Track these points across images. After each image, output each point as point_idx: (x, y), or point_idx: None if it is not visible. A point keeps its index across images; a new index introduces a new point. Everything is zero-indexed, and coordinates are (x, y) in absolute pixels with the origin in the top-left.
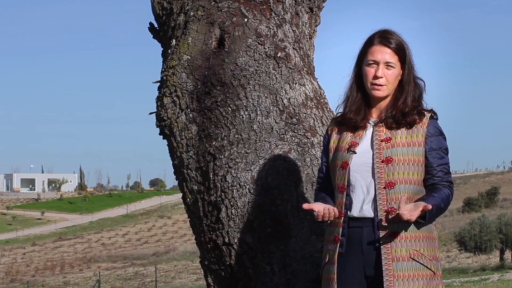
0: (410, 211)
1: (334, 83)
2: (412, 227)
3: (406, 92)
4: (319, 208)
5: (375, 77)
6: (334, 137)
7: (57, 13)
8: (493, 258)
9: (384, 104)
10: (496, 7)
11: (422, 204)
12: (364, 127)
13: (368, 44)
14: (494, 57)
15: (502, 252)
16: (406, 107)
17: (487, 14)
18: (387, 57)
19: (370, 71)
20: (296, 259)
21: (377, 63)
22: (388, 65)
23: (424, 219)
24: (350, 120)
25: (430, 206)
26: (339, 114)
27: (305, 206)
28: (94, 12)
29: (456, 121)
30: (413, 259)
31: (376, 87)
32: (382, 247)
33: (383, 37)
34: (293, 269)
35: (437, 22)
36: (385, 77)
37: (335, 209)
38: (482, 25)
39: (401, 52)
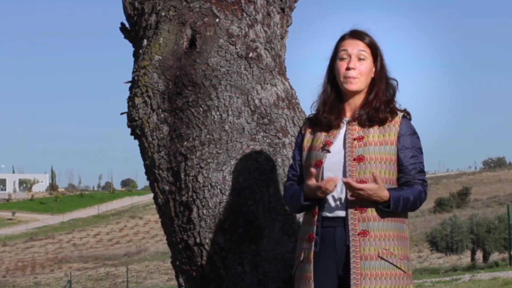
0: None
1: (306, 83)
2: (383, 225)
3: (378, 89)
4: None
5: (348, 68)
6: (308, 136)
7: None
8: (465, 259)
9: (357, 101)
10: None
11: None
12: (338, 126)
13: (340, 40)
14: (468, 58)
15: (473, 253)
16: (378, 103)
17: (463, 15)
18: (359, 48)
19: (343, 64)
20: (268, 259)
21: (349, 55)
22: (360, 57)
23: (388, 207)
24: (324, 119)
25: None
26: (312, 114)
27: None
28: (60, 13)
29: (428, 121)
30: (382, 258)
31: (348, 79)
32: (351, 245)
33: (355, 32)
34: (264, 270)
35: (415, 21)
36: (358, 69)
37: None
38: (466, 25)
39: (373, 47)
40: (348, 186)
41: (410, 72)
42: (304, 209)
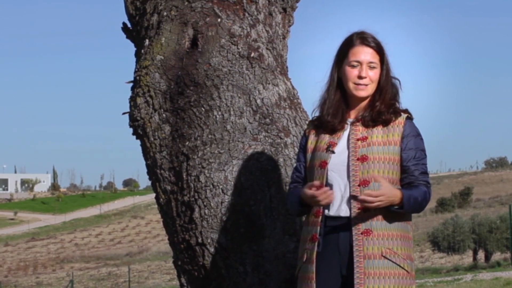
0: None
1: (308, 83)
2: (386, 225)
3: (383, 92)
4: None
5: (360, 77)
6: (312, 138)
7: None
8: (466, 258)
9: (362, 105)
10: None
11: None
12: (342, 128)
13: (348, 45)
14: (469, 58)
15: (475, 252)
16: (383, 106)
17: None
18: (370, 57)
19: (353, 71)
20: (269, 259)
21: (360, 63)
22: (370, 65)
23: (401, 208)
24: (328, 123)
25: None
26: (315, 117)
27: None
28: (56, 14)
29: (430, 121)
30: (385, 257)
31: (360, 87)
32: (354, 245)
33: (363, 37)
34: (266, 270)
35: (416, 21)
36: (369, 77)
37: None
38: (467, 25)
39: (381, 52)
40: (366, 201)
41: (411, 72)
42: (304, 213)
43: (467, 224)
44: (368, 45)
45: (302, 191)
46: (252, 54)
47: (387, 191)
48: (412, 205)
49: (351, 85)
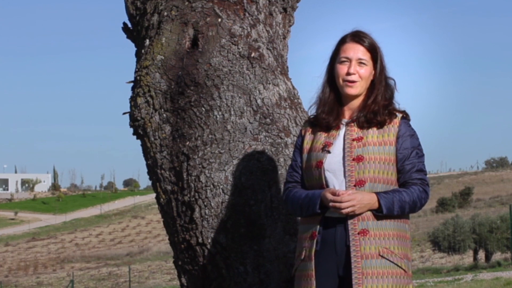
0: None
1: (308, 83)
2: (382, 224)
3: (377, 92)
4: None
5: (348, 73)
6: (308, 138)
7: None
8: (467, 258)
9: (356, 104)
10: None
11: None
12: (337, 127)
13: (341, 42)
14: (469, 57)
15: (475, 252)
16: (377, 106)
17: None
18: (360, 54)
19: (343, 68)
20: (270, 259)
21: (349, 60)
22: (360, 62)
23: (381, 212)
24: (323, 120)
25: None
26: (312, 116)
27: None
28: (55, 13)
29: (430, 121)
30: (382, 257)
31: (348, 83)
32: (351, 245)
33: (355, 35)
34: (266, 269)
35: (415, 21)
36: (358, 74)
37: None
38: (467, 25)
39: (373, 51)
40: (337, 207)
41: (411, 72)
42: (315, 215)
43: (468, 224)
44: (359, 42)
45: (323, 195)
46: (253, 54)
47: (357, 195)
48: (399, 208)
49: (341, 82)
